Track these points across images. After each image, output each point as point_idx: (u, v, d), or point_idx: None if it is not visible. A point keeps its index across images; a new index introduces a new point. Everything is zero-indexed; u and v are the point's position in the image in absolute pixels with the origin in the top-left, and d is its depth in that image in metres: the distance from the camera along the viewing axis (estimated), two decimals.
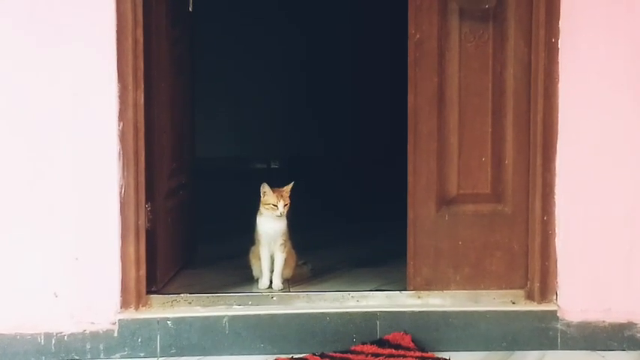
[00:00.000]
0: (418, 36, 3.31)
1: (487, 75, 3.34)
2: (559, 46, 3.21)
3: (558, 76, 3.22)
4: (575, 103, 3.23)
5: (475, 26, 3.33)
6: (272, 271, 3.48)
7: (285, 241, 3.49)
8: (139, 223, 3.19)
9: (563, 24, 3.21)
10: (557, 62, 3.22)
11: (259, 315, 3.20)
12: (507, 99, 3.34)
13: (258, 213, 3.48)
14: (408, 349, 3.09)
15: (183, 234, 3.81)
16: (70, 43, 3.11)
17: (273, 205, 3.42)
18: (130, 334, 3.14)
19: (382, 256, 4.04)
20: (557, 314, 3.24)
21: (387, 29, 6.51)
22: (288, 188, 3.46)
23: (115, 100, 3.14)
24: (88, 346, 3.13)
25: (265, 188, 3.45)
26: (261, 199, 3.45)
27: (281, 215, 3.43)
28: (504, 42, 3.33)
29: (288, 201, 3.44)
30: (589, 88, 3.22)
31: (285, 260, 3.51)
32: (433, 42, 3.32)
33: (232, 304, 3.27)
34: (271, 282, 3.47)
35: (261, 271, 3.50)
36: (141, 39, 3.17)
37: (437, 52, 3.32)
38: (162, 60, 3.42)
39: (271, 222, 3.46)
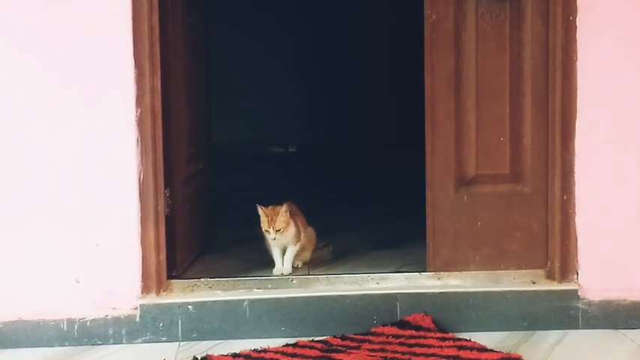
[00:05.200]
0: (434, 17, 3.30)
1: (504, 55, 3.32)
2: (577, 23, 3.19)
3: (576, 54, 3.20)
4: (593, 81, 3.20)
5: (491, 5, 3.30)
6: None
7: (296, 241, 3.46)
8: (159, 208, 3.20)
9: (580, 1, 3.18)
10: (576, 40, 3.20)
11: (279, 298, 3.21)
12: (525, 78, 3.32)
13: None
14: (428, 330, 3.09)
15: (202, 219, 3.82)
16: (87, 30, 3.11)
17: (266, 230, 3.39)
18: (151, 319, 3.16)
19: (401, 238, 4.04)
20: (578, 293, 3.23)
21: (400, 12, 6.49)
22: (281, 210, 3.37)
23: (132, 87, 3.14)
24: (110, 332, 3.15)
25: (259, 211, 3.39)
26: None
27: (276, 239, 3.39)
28: (521, 21, 3.31)
29: (282, 225, 3.37)
30: (608, 66, 3.20)
31: (304, 244, 3.51)
32: (449, 22, 3.30)
33: (252, 288, 3.28)
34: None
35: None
36: (157, 25, 3.17)
37: (453, 32, 3.31)
38: (178, 46, 3.42)
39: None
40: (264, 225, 3.40)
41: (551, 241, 3.30)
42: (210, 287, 3.29)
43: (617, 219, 3.24)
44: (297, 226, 3.48)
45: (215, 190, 4.14)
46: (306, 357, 2.90)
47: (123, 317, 3.16)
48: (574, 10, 3.19)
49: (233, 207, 4.73)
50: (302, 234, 3.51)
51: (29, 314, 3.15)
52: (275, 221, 3.37)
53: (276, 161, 7.46)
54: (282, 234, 3.39)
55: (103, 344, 3.15)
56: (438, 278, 3.35)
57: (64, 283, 3.15)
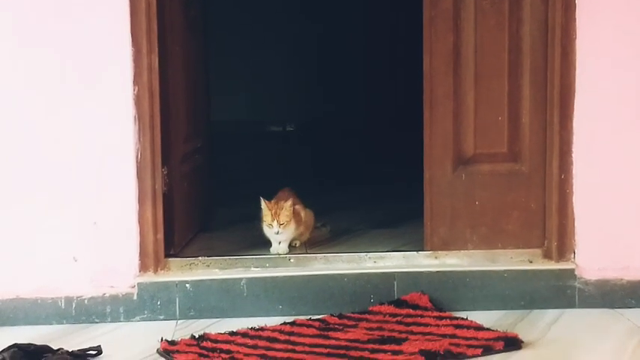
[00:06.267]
0: None
1: (503, 33, 3.31)
2: (576, 1, 3.17)
3: (575, 32, 3.19)
4: (592, 60, 3.19)
5: None
6: None
7: (294, 230, 3.43)
8: (156, 187, 3.20)
9: None
10: (575, 19, 3.18)
11: (277, 277, 3.22)
12: (524, 57, 3.30)
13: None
14: (425, 309, 3.10)
15: (200, 197, 3.82)
16: (83, 6, 3.10)
17: (268, 225, 3.36)
18: (149, 297, 3.17)
19: (399, 217, 4.04)
20: (575, 272, 3.24)
21: None
22: (285, 205, 3.34)
23: (130, 65, 3.13)
24: (108, 310, 3.16)
25: (261, 203, 3.36)
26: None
27: (279, 233, 3.35)
28: None
29: (286, 220, 3.33)
30: (607, 45, 3.19)
31: (302, 223, 3.50)
32: (448, 0, 3.28)
33: (250, 267, 3.29)
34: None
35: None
36: (154, 1, 3.15)
37: (452, 10, 3.29)
38: (175, 23, 3.40)
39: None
40: (267, 219, 3.36)
41: (548, 220, 3.30)
42: (208, 266, 3.30)
43: (615, 199, 3.24)
44: (298, 221, 3.44)
45: (214, 168, 4.13)
46: (304, 335, 2.91)
47: (121, 295, 3.17)
48: None
49: (232, 185, 4.74)
50: (302, 221, 3.49)
51: (27, 292, 3.15)
52: (279, 215, 3.34)
53: (274, 140, 7.46)
54: (285, 228, 3.37)
55: (100, 322, 3.15)
56: (436, 257, 3.35)
57: (62, 262, 3.16)
